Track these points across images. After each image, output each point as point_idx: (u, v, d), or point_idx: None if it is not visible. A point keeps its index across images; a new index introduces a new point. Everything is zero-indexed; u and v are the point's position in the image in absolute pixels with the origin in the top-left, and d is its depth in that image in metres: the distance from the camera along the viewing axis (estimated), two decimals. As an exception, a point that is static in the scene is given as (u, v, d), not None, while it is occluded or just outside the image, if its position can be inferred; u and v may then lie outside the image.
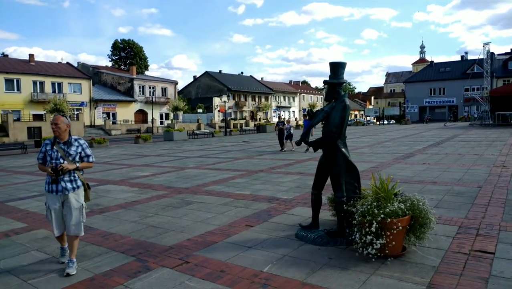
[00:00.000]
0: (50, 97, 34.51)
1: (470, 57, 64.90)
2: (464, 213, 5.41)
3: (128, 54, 74.88)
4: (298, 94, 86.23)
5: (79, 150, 4.06)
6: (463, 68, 59.59)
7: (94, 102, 49.19)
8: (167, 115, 57.26)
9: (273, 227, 5.17)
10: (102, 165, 14.41)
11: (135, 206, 6.86)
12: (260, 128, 43.44)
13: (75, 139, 4.08)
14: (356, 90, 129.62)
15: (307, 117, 18.16)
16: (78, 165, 4.01)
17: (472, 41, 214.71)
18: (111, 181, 10.10)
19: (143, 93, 55.85)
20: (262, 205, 6.46)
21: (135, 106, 54.54)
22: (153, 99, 54.32)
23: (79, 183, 4.05)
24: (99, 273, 3.89)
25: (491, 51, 39.79)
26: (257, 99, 74.31)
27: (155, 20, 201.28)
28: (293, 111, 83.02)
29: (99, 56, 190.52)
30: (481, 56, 38.13)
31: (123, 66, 72.40)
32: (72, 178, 3.99)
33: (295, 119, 72.82)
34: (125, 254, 4.41)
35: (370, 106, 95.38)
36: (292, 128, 17.01)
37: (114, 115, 51.82)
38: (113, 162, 15.42)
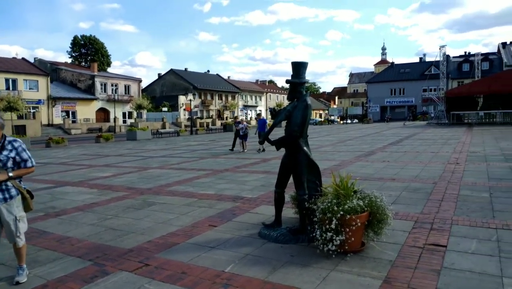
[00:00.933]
0: (3, 95, 32.51)
1: (428, 59, 68.09)
2: (420, 209, 5.65)
3: (89, 50, 72.15)
4: (265, 93, 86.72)
5: (12, 154, 3.53)
6: (422, 70, 62.36)
7: (52, 100, 46.97)
8: (130, 114, 55.70)
9: (236, 227, 5.15)
10: (59, 165, 13.79)
11: (94, 208, 6.61)
12: (227, 128, 43.21)
13: (9, 142, 3.56)
14: (321, 90, 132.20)
15: (261, 117, 17.79)
16: (10, 174, 3.50)
17: (429, 44, 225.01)
18: (69, 182, 9.68)
19: (105, 91, 54.01)
20: (227, 205, 6.42)
21: (97, 105, 52.65)
22: (116, 97, 52.67)
23: (13, 192, 3.57)
24: (52, 279, 3.71)
25: (446, 54, 41.90)
26: (224, 98, 73.97)
27: (118, 15, 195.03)
28: (260, 111, 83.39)
29: (57, 52, 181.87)
30: (438, 59, 40.07)
31: (83, 63, 69.69)
32: (3, 187, 3.51)
33: (270, 118, 73.22)
34: (81, 258, 4.23)
35: (334, 106, 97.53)
36: (247, 128, 16.39)
37: (74, 113, 49.76)
38: (72, 162, 14.80)
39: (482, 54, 51.97)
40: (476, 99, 35.21)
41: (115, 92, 54.49)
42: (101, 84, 53.92)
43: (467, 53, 67.44)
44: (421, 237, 4.42)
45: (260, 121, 16.49)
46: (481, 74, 43.95)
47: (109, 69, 71.62)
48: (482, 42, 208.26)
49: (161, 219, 5.72)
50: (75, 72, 54.68)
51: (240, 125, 16.11)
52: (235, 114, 72.09)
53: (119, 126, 49.80)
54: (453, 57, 64.71)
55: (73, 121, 48.36)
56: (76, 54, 72.45)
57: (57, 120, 46.86)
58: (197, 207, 6.38)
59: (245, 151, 15.75)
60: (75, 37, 71.57)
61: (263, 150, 15.19)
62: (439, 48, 38.46)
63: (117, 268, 3.90)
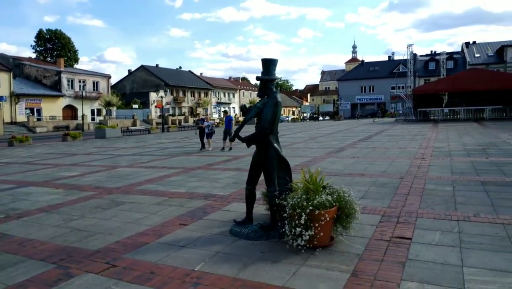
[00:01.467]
0: (-39, 91, 30.80)
1: (396, 57, 69.93)
2: (387, 203, 5.81)
3: (55, 45, 69.54)
4: (238, 90, 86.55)
5: None
6: (390, 68, 64.11)
7: (16, 96, 44.88)
8: (99, 111, 54.10)
9: (207, 225, 5.11)
10: (23, 165, 13.21)
11: (59, 209, 6.37)
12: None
13: None
14: (293, 88, 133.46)
15: (228, 114, 17.35)
16: None
17: (398, 42, 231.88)
18: (32, 182, 9.29)
19: (72, 88, 52.16)
20: (198, 203, 6.36)
21: (63, 102, 50.78)
22: (84, 94, 50.97)
23: None
24: (13, 284, 3.54)
25: (414, 52, 43.26)
26: (196, 95, 73.21)
27: (85, 10, 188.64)
28: (233, 108, 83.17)
29: (21, 47, 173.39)
30: (406, 57, 41.29)
31: (49, 58, 67.02)
32: None
33: (235, 115, 73.00)
34: (44, 261, 4.06)
35: (307, 103, 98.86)
36: (213, 126, 15.99)
37: (39, 111, 47.78)
38: (37, 161, 14.21)
39: (447, 54, 54.04)
40: (441, 96, 36.58)
41: (83, 89, 52.73)
42: (68, 81, 52.04)
43: (433, 52, 69.88)
44: (388, 230, 4.54)
45: (227, 118, 16.08)
46: (446, 72, 45.65)
47: (77, 65, 69.31)
48: (447, 42, 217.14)
49: (130, 218, 5.59)
50: (40, 67, 52.46)
51: (206, 123, 15.70)
52: (208, 112, 71.52)
53: (88, 124, 48.28)
54: (420, 56, 66.88)
55: (38, 119, 46.45)
56: (41, 49, 69.64)
57: (21, 118, 44.85)
58: (168, 205, 6.28)
59: (210, 149, 15.27)
60: (40, 31, 68.79)
61: (230, 148, 14.93)
62: (407, 47, 39.69)
63: (83, 270, 3.78)
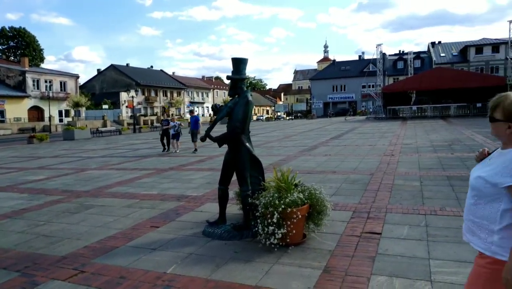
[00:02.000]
0: None
1: (366, 57, 71.51)
2: (358, 199, 5.92)
3: (19, 44, 66.59)
4: (212, 90, 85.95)
5: None
6: (361, 67, 65.49)
7: (-24, 98, 42.73)
8: (67, 112, 52.30)
9: (180, 226, 5.04)
10: (-15, 169, 12.57)
11: (24, 214, 6.11)
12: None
13: None
14: (267, 87, 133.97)
15: (194, 114, 16.30)
16: None
17: (367, 42, 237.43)
18: (-5, 187, 8.86)
19: (38, 88, 50.13)
20: (170, 204, 6.26)
21: (29, 103, 48.73)
22: (51, 95, 49.13)
23: None
24: (-28, 295, 3.37)
25: (383, 52, 44.40)
26: (169, 94, 72.12)
27: (51, 7, 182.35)
28: (207, 107, 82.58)
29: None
30: (375, 57, 42.33)
31: (12, 57, 64.15)
32: None
33: (209, 115, 72.45)
34: (7, 270, 3.88)
35: (280, 102, 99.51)
36: (180, 127, 15.03)
37: (2, 112, 45.64)
38: (0, 165, 13.57)
39: (414, 53, 55.83)
40: (409, 94, 37.75)
41: (50, 89, 50.78)
42: (33, 81, 49.98)
43: (401, 52, 71.93)
44: (359, 226, 4.63)
45: (193, 118, 15.29)
46: (413, 71, 47.13)
47: (43, 65, 66.71)
48: (415, 42, 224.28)
49: (99, 222, 5.43)
50: (2, 67, 50.07)
51: (172, 124, 14.93)
52: (181, 111, 70.63)
53: (55, 125, 46.60)
54: (389, 55, 68.66)
55: (1, 121, 44.40)
56: (4, 47, 66.51)
57: (-18, 120, 42.74)
58: (139, 208, 6.15)
59: (178, 151, 14.55)
60: (3, 29, 65.65)
61: (196, 150, 14.34)
62: (376, 47, 40.69)
63: (49, 277, 3.64)
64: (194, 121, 14.99)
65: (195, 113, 15.88)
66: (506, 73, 36.99)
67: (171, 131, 14.78)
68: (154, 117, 60.50)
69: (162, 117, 16.48)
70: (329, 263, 3.61)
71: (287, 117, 70.28)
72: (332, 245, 4.04)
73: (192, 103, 78.09)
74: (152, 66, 77.91)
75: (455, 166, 8.37)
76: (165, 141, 15.31)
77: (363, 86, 54.94)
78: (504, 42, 54.54)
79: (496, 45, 55.13)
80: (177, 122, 15.12)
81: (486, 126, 19.10)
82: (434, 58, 58.91)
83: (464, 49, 57.72)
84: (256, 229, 4.05)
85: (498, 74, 49.28)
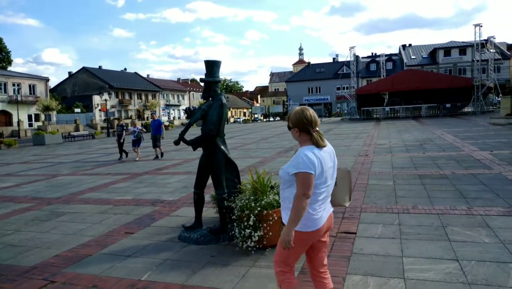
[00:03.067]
0: None
1: (340, 59, 72.77)
2: (333, 199, 5.98)
3: (-16, 45, 63.82)
4: (188, 92, 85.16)
5: None
6: (335, 69, 66.58)
7: None
8: (37, 116, 50.52)
9: (155, 232, 4.95)
10: None
11: (-10, 224, 5.84)
12: (148, 128, 41.59)
13: None
14: (244, 89, 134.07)
15: (156, 117, 14.51)
16: None
17: (341, 45, 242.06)
18: (-41, 196, 8.43)
19: (5, 92, 48.17)
20: (145, 209, 6.15)
21: (-4, 107, 46.79)
22: (19, 98, 47.30)
23: None
24: None
25: (356, 54, 45.31)
26: (143, 97, 70.93)
27: (18, 8, 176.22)
28: (183, 110, 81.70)
29: None
30: (349, 59, 43.08)
31: (-23, 60, 61.43)
32: None
33: (185, 117, 71.65)
34: (-29, 283, 3.70)
35: (257, 105, 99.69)
36: (141, 132, 13.90)
37: (-34, 117, 43.63)
38: (-36, 173, 12.94)
39: (386, 55, 57.11)
40: (382, 96, 38.67)
41: (18, 93, 48.88)
42: (1, 84, 48.05)
43: (373, 54, 73.64)
44: (335, 226, 4.67)
45: (155, 123, 13.88)
46: (386, 73, 48.22)
47: (10, 68, 64.18)
48: (386, 44, 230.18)
49: (71, 230, 5.26)
50: (-34, 70, 47.93)
51: (131, 129, 13.90)
52: (156, 114, 69.52)
53: (24, 130, 44.89)
54: (362, 57, 70.17)
55: (-34, 126, 42.41)
56: (-33, 49, 63.61)
57: None
58: (113, 214, 6.00)
59: (137, 159, 13.44)
60: (-35, 31, 62.82)
61: (162, 154, 13.65)
62: (349, 49, 41.40)
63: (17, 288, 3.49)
64: (157, 126, 13.72)
65: (157, 117, 14.46)
66: (473, 75, 38.48)
67: (132, 137, 13.80)
68: (128, 121, 59.30)
69: (118, 123, 15.17)
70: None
71: (264, 119, 70.49)
72: (308, 246, 4.06)
73: (168, 106, 77.13)
74: (125, 69, 76.47)
75: (427, 165, 8.62)
76: (126, 149, 14.56)
77: (338, 88, 55.82)
78: (471, 45, 56.75)
79: (463, 48, 57.36)
80: (138, 128, 14.15)
81: (455, 126, 19.82)
82: (405, 60, 60.63)
83: (433, 52, 59.72)
84: (233, 232, 4.03)
85: (466, 75, 51.24)
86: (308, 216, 2.31)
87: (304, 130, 2.35)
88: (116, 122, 15.85)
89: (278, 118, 67.98)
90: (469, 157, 9.42)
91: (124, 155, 14.25)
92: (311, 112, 2.39)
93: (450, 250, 3.75)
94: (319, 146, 2.35)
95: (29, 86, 51.94)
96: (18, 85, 50.13)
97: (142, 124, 32.89)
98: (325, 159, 2.37)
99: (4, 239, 5.03)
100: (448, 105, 32.67)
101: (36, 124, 48.82)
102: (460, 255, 3.60)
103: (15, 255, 4.40)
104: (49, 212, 6.38)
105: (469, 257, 3.54)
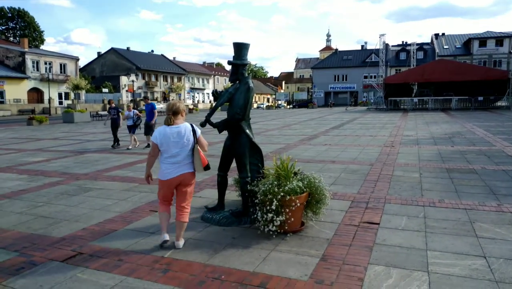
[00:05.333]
0: None
1: (368, 47, 70.96)
2: (357, 189, 5.92)
3: (18, 24, 65.92)
4: (213, 76, 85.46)
5: None
6: (363, 57, 65.04)
7: (-25, 78, 42.43)
8: (67, 94, 51.99)
9: (178, 211, 5.03)
10: (-16, 150, 12.55)
11: (23, 195, 6.11)
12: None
13: None
14: (269, 75, 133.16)
15: (149, 101, 12.17)
16: None
17: (369, 32, 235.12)
18: (-6, 168, 8.85)
19: (37, 70, 49.77)
20: (169, 189, 6.25)
21: (28, 84, 48.45)
22: (50, 77, 48.81)
23: None
24: (-30, 273, 3.37)
25: (386, 42, 44.02)
26: (169, 79, 71.71)
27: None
28: (207, 93, 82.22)
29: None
30: (378, 47, 41.98)
31: (12, 38, 63.54)
32: None
33: (210, 101, 72.06)
34: (6, 249, 3.89)
35: (281, 91, 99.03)
36: (138, 117, 12.31)
37: (1, 93, 45.43)
38: (-1, 146, 13.54)
39: (417, 44, 55.36)
40: (411, 86, 37.54)
41: (49, 71, 50.43)
42: (33, 62, 49.58)
43: (404, 43, 71.36)
44: (357, 215, 4.64)
45: (147, 107, 12.30)
46: (416, 63, 46.82)
47: (43, 46, 66.09)
48: (417, 33, 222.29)
49: (98, 205, 5.44)
50: (1, 47, 49.65)
51: (127, 113, 12.26)
52: (181, 97, 70.19)
53: (55, 108, 46.45)
54: (392, 46, 68.16)
55: (1, 102, 44.22)
56: (3, 28, 65.84)
57: (-18, 100, 42.54)
58: (138, 192, 6.15)
59: (130, 148, 11.95)
60: (1, 9, 64.90)
61: (148, 145, 11.80)
62: (379, 37, 40.31)
63: (47, 258, 3.65)
64: (149, 111, 12.19)
65: (150, 101, 12.77)
66: (509, 67, 36.77)
67: (128, 122, 12.17)
68: (154, 102, 60.23)
69: (109, 105, 13.24)
70: (326, 251, 3.62)
71: (288, 106, 69.94)
72: (330, 234, 4.05)
73: (193, 89, 77.73)
74: (152, 51, 77.21)
75: (455, 159, 8.36)
76: (119, 134, 12.84)
77: (365, 77, 54.51)
78: (508, 36, 54.17)
79: (500, 39, 54.71)
80: (134, 111, 12.38)
81: (487, 120, 19.07)
82: (437, 50, 58.45)
83: (468, 42, 57.25)
84: (255, 216, 4.05)
85: (501, 68, 48.98)
86: (161, 170, 3.78)
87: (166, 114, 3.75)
88: (108, 105, 14.24)
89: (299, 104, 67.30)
90: (501, 152, 9.06)
91: (116, 142, 12.59)
92: (172, 102, 3.81)
93: (477, 246, 3.64)
94: (167, 124, 3.72)
95: (60, 65, 53.40)
96: (49, 64, 51.62)
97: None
98: (167, 134, 3.68)
99: (36, 211, 5.25)
100: (480, 98, 31.37)
101: (66, 103, 50.38)
102: (488, 252, 3.49)
103: (46, 226, 4.59)
104: (77, 187, 6.60)
105: (498, 255, 3.43)
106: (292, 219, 3.89)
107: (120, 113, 12.85)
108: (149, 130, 12.01)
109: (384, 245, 3.74)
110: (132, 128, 12.19)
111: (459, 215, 4.58)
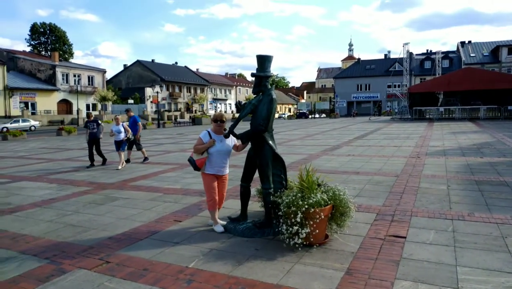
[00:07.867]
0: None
1: (392, 56, 70.03)
2: (382, 201, 5.81)
3: (50, 39, 68.93)
4: (234, 87, 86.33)
5: None
6: (386, 66, 64.19)
7: (9, 90, 44.49)
8: (94, 106, 53.79)
9: (202, 221, 5.09)
10: (16, 159, 13.09)
11: (53, 204, 6.32)
12: (195, 121, 42.80)
13: None
14: (290, 85, 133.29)
15: (131, 114, 11.40)
16: None
17: (391, 41, 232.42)
18: (26, 177, 9.21)
19: (67, 82, 51.79)
20: (193, 199, 6.33)
21: (58, 96, 50.42)
22: (79, 89, 50.60)
23: None
24: (4, 280, 3.50)
25: (410, 51, 43.34)
26: (192, 90, 72.94)
27: (79, 4, 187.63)
28: (230, 104, 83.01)
29: (15, 40, 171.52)
30: (402, 56, 41.38)
31: (43, 52, 66.42)
32: None
33: (232, 112, 72.70)
34: (37, 257, 4.03)
35: (303, 101, 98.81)
36: (127, 132, 10.63)
37: (33, 105, 47.40)
38: (30, 156, 14.09)
39: (442, 53, 54.26)
40: (436, 95, 36.69)
41: (78, 83, 52.37)
42: (63, 75, 51.65)
43: (428, 51, 70.08)
44: (382, 228, 4.54)
45: (132, 119, 11.40)
46: (441, 71, 45.85)
47: (72, 60, 68.72)
48: (441, 41, 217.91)
49: (124, 214, 5.55)
50: (34, 61, 51.98)
51: (116, 128, 10.39)
52: (204, 108, 70.97)
53: (83, 118, 47.87)
54: (416, 54, 67.03)
55: (33, 113, 46.07)
56: (36, 42, 69.01)
57: (15, 111, 44.48)
58: (162, 202, 6.25)
59: (120, 168, 10.03)
60: (34, 25, 68.10)
61: (145, 159, 11.21)
62: (403, 46, 39.80)
63: (76, 266, 3.75)
64: (132, 124, 11.30)
65: (132, 114, 11.79)
66: (541, 75, 35.44)
67: (116, 138, 10.41)
68: (177, 113, 61.30)
69: (86, 119, 11.56)
70: (351, 265, 3.56)
71: (310, 116, 69.61)
72: (355, 247, 3.98)
73: (215, 100, 78.66)
74: (176, 63, 79.02)
75: (485, 171, 8.08)
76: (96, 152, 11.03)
77: (389, 86, 53.82)
78: (540, 43, 52.24)
79: (531, 46, 52.83)
80: (123, 124, 10.72)
81: (518, 130, 18.35)
82: (463, 58, 57.02)
83: (496, 49, 55.59)
84: (279, 228, 4.03)
85: (532, 76, 47.17)
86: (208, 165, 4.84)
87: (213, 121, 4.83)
88: (86, 117, 12.14)
89: (324, 115, 66.85)
90: (534, 164, 8.69)
91: (91, 162, 10.76)
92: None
93: (510, 262, 3.49)
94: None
95: (88, 77, 55.36)
96: (78, 76, 53.62)
97: (190, 117, 30.82)
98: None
99: (65, 219, 5.42)
100: (510, 107, 30.28)
101: (93, 114, 51.81)
102: (522, 269, 3.34)
103: (74, 235, 4.72)
104: (104, 196, 6.77)
105: (533, 272, 3.28)
106: (317, 231, 3.86)
107: (100, 126, 10.99)
108: (131, 145, 11.03)
109: (411, 259, 3.64)
110: (121, 145, 10.40)
111: (490, 229, 4.41)
